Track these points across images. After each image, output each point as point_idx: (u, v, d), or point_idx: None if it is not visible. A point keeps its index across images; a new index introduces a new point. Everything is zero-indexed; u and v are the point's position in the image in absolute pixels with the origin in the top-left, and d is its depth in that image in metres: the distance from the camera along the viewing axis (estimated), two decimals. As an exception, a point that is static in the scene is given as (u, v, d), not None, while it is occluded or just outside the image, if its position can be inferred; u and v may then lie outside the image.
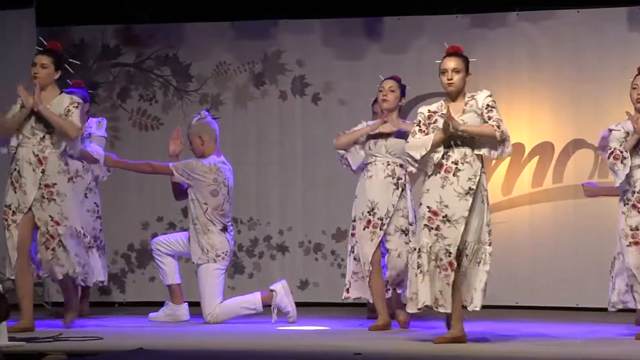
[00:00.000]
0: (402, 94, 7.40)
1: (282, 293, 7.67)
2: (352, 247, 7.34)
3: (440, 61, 6.52)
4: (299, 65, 9.21)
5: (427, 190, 6.37)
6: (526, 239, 8.77)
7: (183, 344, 6.53)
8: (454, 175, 6.33)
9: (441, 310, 6.31)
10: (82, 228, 7.25)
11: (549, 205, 8.81)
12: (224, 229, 7.70)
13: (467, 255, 6.29)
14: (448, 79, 6.48)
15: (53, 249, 6.98)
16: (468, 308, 6.31)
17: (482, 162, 6.39)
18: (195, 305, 7.88)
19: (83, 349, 6.21)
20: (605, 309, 7.63)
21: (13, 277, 7.09)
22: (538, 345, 6.41)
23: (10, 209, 7.00)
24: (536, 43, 8.84)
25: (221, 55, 9.26)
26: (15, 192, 6.98)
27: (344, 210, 9.13)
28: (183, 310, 7.81)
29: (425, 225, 6.33)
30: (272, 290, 7.70)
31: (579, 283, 8.61)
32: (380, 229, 7.20)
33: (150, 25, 9.34)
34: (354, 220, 7.33)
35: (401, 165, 7.21)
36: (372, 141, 7.28)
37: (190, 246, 7.71)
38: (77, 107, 7.02)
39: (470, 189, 6.31)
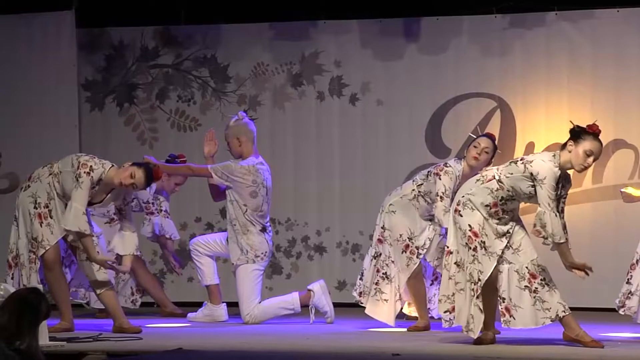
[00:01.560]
0: (492, 157, 7.25)
1: (320, 293, 7.67)
2: (377, 254, 7.29)
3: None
4: (337, 65, 9.20)
5: (472, 209, 6.35)
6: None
7: (221, 344, 6.55)
8: (499, 218, 6.34)
9: (470, 335, 6.34)
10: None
11: (588, 205, 8.76)
12: (263, 229, 7.71)
13: (543, 271, 6.32)
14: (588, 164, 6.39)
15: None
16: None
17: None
18: (233, 306, 7.90)
19: (123, 348, 6.24)
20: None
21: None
22: (578, 348, 6.37)
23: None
24: (575, 43, 8.78)
25: (259, 56, 9.27)
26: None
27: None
28: (221, 311, 7.83)
29: (466, 243, 6.33)
30: (309, 290, 7.70)
31: (618, 284, 8.54)
32: (417, 257, 7.20)
33: (189, 26, 9.37)
34: (385, 230, 7.29)
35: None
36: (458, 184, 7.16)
37: (228, 247, 7.73)
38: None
39: (508, 232, 6.35)
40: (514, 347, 6.39)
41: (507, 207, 6.37)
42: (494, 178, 6.36)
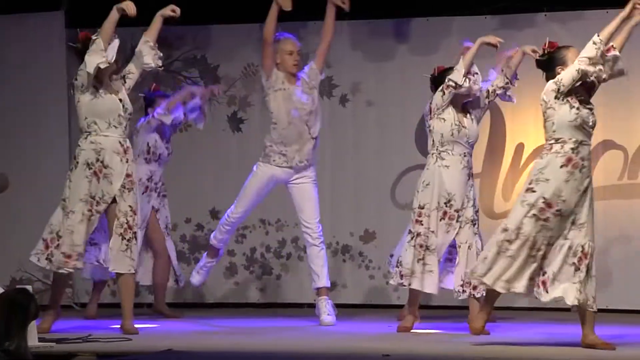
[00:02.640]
0: None
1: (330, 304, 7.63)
2: (415, 233, 7.12)
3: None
4: (327, 66, 9.16)
5: (547, 180, 6.26)
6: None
7: (212, 345, 6.54)
8: (579, 171, 6.27)
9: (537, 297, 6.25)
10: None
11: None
12: None
13: (592, 256, 6.23)
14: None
15: (128, 240, 6.92)
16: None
17: None
18: (217, 307, 7.88)
19: (112, 349, 6.23)
20: (634, 311, 7.62)
21: (61, 270, 6.99)
22: (567, 348, 6.38)
23: (95, 199, 6.93)
24: (564, 43, 8.78)
25: (249, 56, 9.27)
26: (99, 181, 6.93)
27: (372, 211, 9.15)
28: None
29: (534, 214, 6.23)
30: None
31: (604, 284, 8.56)
32: (457, 221, 7.08)
33: (179, 27, 9.34)
34: (422, 208, 7.14)
35: (471, 155, 7.18)
36: (455, 128, 7.11)
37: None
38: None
39: (587, 187, 6.27)
40: (503, 347, 6.39)
41: (582, 153, 6.26)
42: (552, 142, 6.28)
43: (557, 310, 7.69)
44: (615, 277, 8.54)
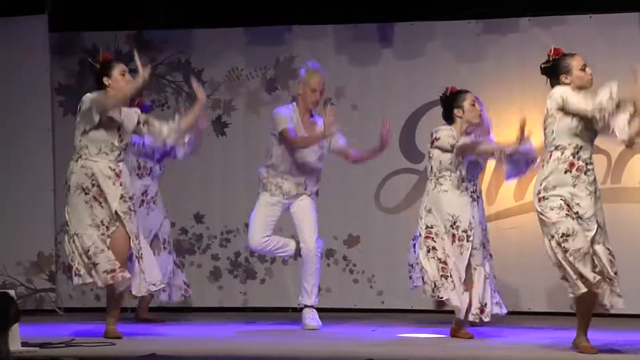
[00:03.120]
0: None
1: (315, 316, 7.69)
2: (433, 248, 7.04)
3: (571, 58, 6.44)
4: (311, 70, 9.20)
5: (554, 187, 6.25)
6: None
7: (195, 349, 6.53)
8: (585, 174, 6.26)
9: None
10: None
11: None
12: None
13: (612, 261, 6.23)
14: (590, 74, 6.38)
15: (139, 261, 6.97)
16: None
17: None
18: (199, 311, 7.87)
19: (95, 354, 6.22)
20: (618, 315, 7.62)
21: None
22: (554, 351, 6.39)
23: (104, 224, 6.94)
24: (548, 48, 8.82)
25: (233, 60, 9.26)
26: (102, 206, 6.94)
27: (356, 216, 9.15)
28: None
29: (567, 214, 6.18)
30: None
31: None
32: (467, 241, 7.01)
33: (163, 31, 9.35)
34: (430, 227, 7.06)
35: (471, 181, 7.13)
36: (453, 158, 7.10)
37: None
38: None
39: (597, 189, 6.28)
40: (489, 351, 6.41)
41: (583, 156, 6.27)
42: (552, 149, 6.29)
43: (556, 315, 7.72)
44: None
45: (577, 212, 6.21)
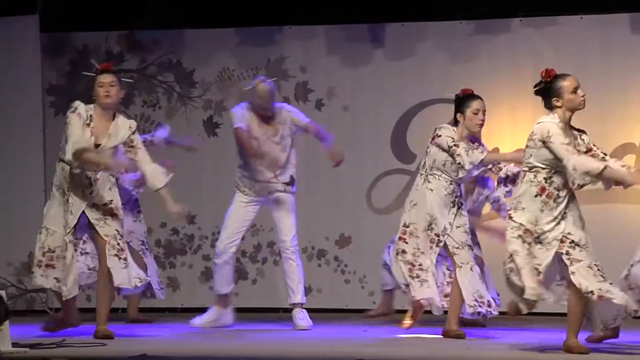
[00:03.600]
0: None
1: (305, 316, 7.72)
2: (403, 251, 7.10)
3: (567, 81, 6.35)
4: (302, 71, 9.21)
5: (523, 208, 6.24)
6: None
7: (186, 350, 6.53)
8: (554, 201, 6.24)
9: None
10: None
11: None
12: None
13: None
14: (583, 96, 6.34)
15: (125, 259, 6.94)
16: None
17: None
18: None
19: (86, 355, 6.21)
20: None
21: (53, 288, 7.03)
22: (554, 354, 6.40)
23: (69, 227, 6.93)
24: (539, 49, 8.84)
25: (225, 61, 9.26)
26: (72, 213, 6.93)
27: (347, 216, 9.15)
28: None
29: (519, 236, 6.20)
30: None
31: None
32: (437, 246, 7.07)
33: (154, 31, 9.34)
34: (406, 226, 7.12)
35: (458, 185, 7.13)
36: (449, 160, 7.07)
37: None
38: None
39: (565, 213, 6.24)
40: (482, 352, 6.41)
41: (556, 182, 6.23)
42: (526, 170, 6.27)
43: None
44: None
45: (538, 237, 6.22)
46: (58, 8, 9.13)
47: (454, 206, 7.11)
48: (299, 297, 7.70)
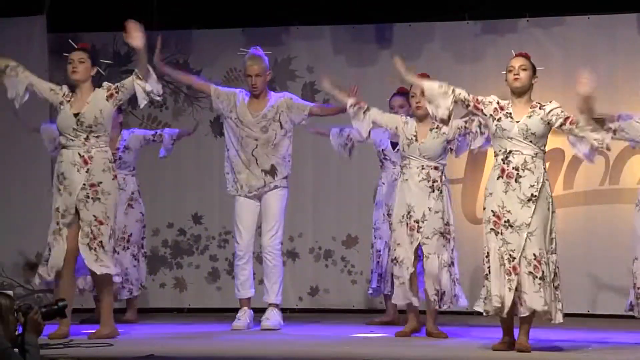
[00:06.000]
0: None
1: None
2: (378, 250, 7.27)
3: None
4: (309, 71, 9.21)
5: (490, 194, 6.36)
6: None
7: (194, 350, 6.53)
8: (515, 181, 6.31)
9: (491, 314, 6.32)
10: (120, 231, 7.32)
11: (560, 211, 8.74)
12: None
13: (546, 264, 6.28)
14: (515, 74, 6.46)
15: (95, 249, 6.91)
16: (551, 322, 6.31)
17: (544, 168, 6.37)
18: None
19: (93, 355, 6.22)
20: (617, 316, 7.63)
21: (42, 282, 7.05)
22: (551, 353, 6.39)
23: (59, 211, 6.96)
24: (546, 49, 8.83)
25: (231, 61, 9.26)
26: (61, 194, 6.96)
27: (354, 216, 9.15)
28: None
29: (491, 229, 6.31)
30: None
31: (590, 289, 8.59)
32: (418, 232, 7.11)
33: (161, 32, 9.33)
34: (391, 223, 7.28)
35: (436, 168, 7.17)
36: (406, 143, 7.22)
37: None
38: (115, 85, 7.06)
39: (532, 195, 6.29)
40: (488, 352, 6.41)
41: (513, 163, 6.33)
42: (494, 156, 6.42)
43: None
44: (597, 282, 8.56)
45: (508, 220, 6.27)
46: (65, 8, 9.14)
47: (433, 191, 7.16)
48: (271, 297, 7.68)
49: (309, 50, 9.18)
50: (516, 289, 6.25)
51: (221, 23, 9.22)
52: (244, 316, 7.65)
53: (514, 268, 6.25)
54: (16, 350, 4.91)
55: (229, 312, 9.00)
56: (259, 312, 8.93)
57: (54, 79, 9.28)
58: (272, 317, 7.64)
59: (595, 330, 7.51)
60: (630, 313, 6.92)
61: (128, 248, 8.15)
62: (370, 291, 8.07)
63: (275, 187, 7.68)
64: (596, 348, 6.58)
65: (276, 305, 7.67)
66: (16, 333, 4.97)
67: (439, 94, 6.49)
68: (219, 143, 9.31)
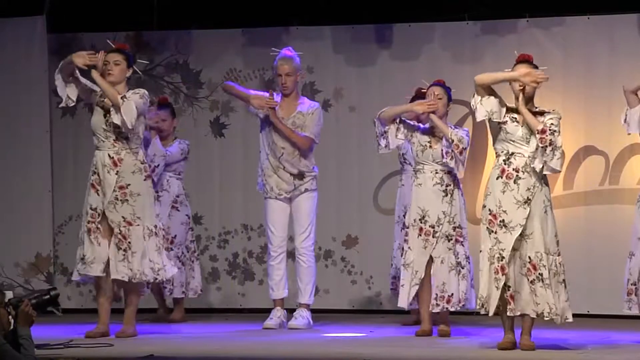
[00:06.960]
0: (449, 99, 7.40)
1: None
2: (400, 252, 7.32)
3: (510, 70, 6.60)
4: (309, 71, 9.21)
5: (490, 193, 6.44)
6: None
7: (194, 350, 6.53)
8: (514, 182, 6.38)
9: (482, 312, 6.36)
10: (162, 228, 7.24)
11: (559, 212, 8.76)
12: None
13: (544, 266, 6.31)
14: (520, 84, 6.54)
15: (124, 250, 6.96)
16: (557, 322, 6.34)
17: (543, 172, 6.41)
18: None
19: (94, 355, 6.22)
20: (617, 316, 7.63)
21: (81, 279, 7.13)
22: (551, 352, 6.39)
23: (97, 211, 7.02)
24: (546, 49, 8.83)
25: (231, 62, 9.27)
26: (98, 194, 7.02)
27: (354, 216, 9.16)
28: None
29: (487, 228, 6.39)
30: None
31: (590, 290, 8.59)
32: (433, 237, 7.17)
33: (161, 32, 9.35)
34: (407, 227, 7.29)
35: (449, 172, 7.22)
36: (420, 149, 7.27)
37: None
38: (138, 94, 7.03)
39: (528, 199, 6.35)
40: (492, 351, 6.41)
41: (514, 164, 6.39)
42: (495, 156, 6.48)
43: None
44: (598, 283, 8.56)
45: (503, 221, 6.33)
46: (65, 9, 9.14)
47: (446, 195, 7.22)
48: (306, 297, 7.74)
49: (308, 50, 9.16)
50: (508, 289, 6.26)
51: (221, 23, 9.22)
52: (277, 316, 7.69)
53: (502, 268, 6.30)
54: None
55: (229, 312, 9.02)
56: (259, 312, 8.94)
57: (53, 79, 9.30)
58: (302, 317, 7.68)
59: (595, 330, 7.51)
60: (628, 313, 6.93)
61: (172, 249, 8.17)
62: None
63: (306, 190, 7.78)
64: (596, 348, 6.58)
65: (307, 306, 7.70)
66: (10, 327, 4.96)
67: None
68: (219, 143, 9.32)
